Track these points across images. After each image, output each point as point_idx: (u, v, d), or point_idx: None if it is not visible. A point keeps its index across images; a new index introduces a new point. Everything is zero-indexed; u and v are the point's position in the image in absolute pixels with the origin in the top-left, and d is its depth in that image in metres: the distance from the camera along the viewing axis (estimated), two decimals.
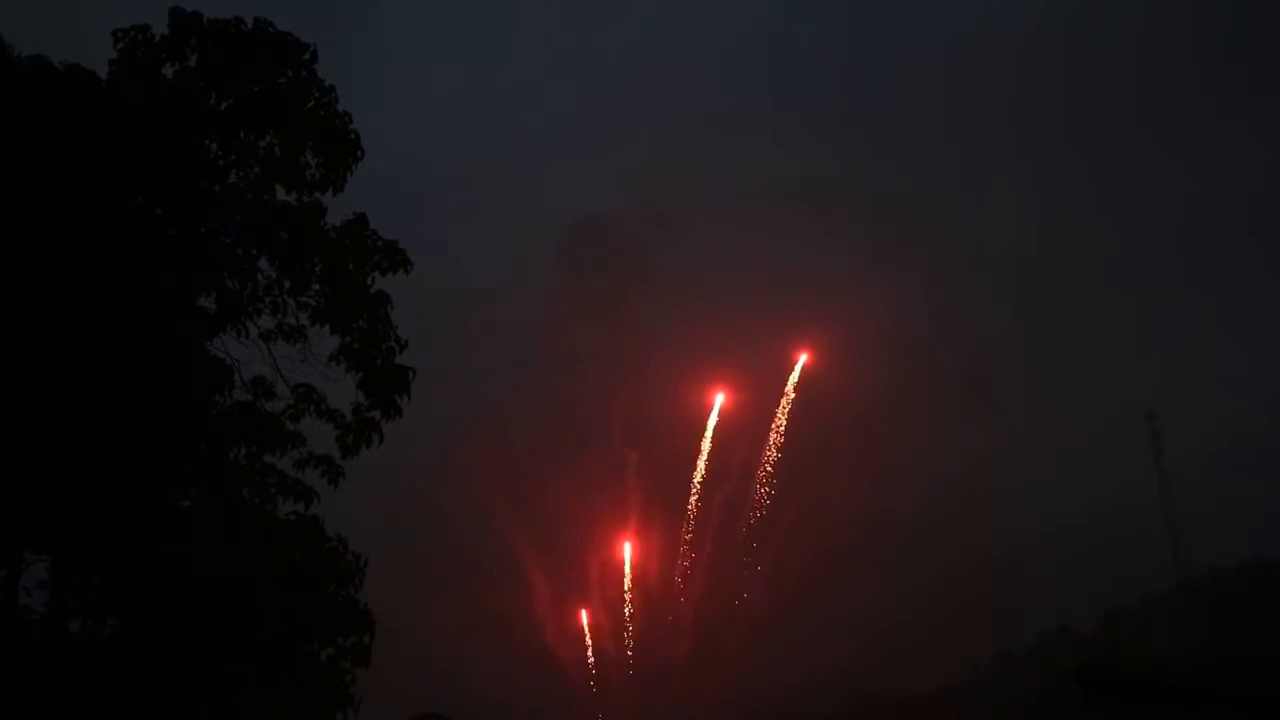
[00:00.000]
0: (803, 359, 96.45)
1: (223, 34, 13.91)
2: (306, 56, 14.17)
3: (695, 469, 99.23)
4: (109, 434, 12.27)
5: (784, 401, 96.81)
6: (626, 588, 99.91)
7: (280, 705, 13.46)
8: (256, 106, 13.97)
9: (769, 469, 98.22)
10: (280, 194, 14.32)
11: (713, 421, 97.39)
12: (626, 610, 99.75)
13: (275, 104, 14.00)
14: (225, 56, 13.87)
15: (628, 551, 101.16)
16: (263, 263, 14.03)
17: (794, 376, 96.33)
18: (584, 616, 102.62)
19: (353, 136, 14.38)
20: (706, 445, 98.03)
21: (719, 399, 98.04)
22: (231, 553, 12.97)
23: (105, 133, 12.47)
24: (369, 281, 14.40)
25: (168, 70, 14.00)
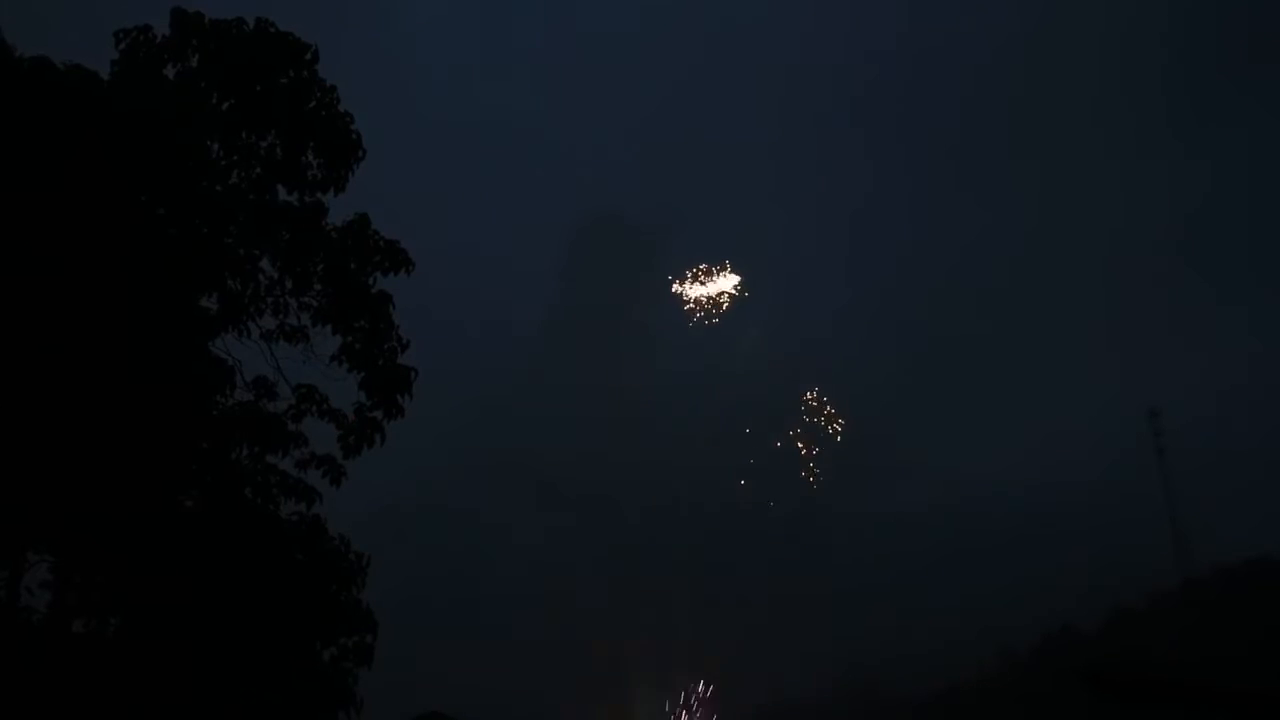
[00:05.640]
0: None
1: (224, 34, 13.92)
2: (308, 57, 14.17)
3: None
4: (111, 434, 12.26)
5: None
6: None
7: (283, 705, 13.45)
8: (258, 107, 13.97)
9: None
10: (282, 194, 14.32)
11: None
12: None
13: (277, 104, 13.99)
14: (227, 57, 13.87)
15: None
16: (264, 263, 14.03)
17: None
18: None
19: (354, 137, 14.37)
20: None
21: None
22: (234, 553, 12.96)
23: (107, 133, 12.47)
24: (371, 282, 14.39)
25: (169, 71, 14.02)
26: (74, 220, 12.17)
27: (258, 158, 14.14)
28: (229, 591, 12.66)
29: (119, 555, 12.82)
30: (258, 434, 13.84)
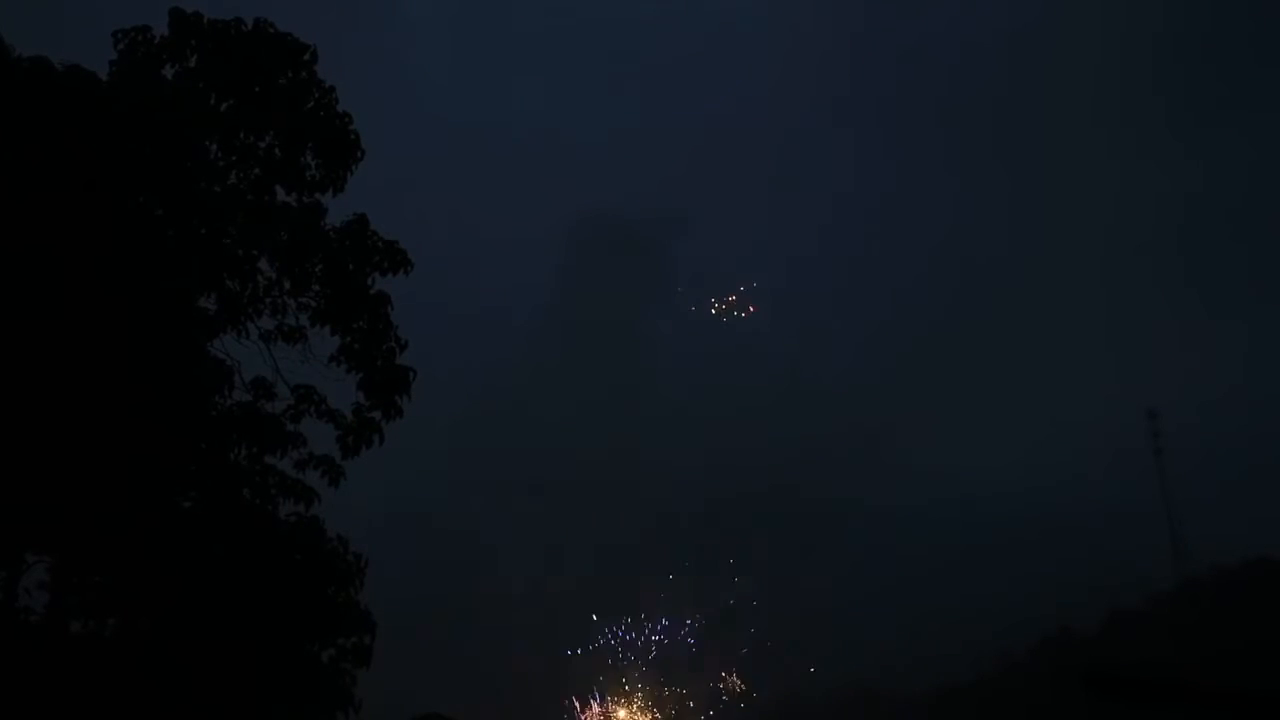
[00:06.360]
0: None
1: (223, 35, 13.91)
2: (306, 57, 14.17)
3: None
4: (110, 435, 12.25)
5: None
6: None
7: (281, 706, 13.43)
8: (257, 107, 13.96)
9: None
10: (280, 195, 14.31)
11: None
12: None
13: (275, 105, 13.98)
14: (225, 57, 13.86)
15: None
16: (263, 263, 14.02)
17: None
18: None
19: (353, 137, 14.36)
20: None
21: None
22: (232, 554, 12.95)
23: (106, 134, 12.46)
24: (369, 282, 14.38)
25: (168, 71, 14.01)
26: (72, 220, 12.17)
27: (256, 158, 14.13)
28: (227, 592, 12.65)
29: (117, 556, 12.81)
30: (256, 434, 13.82)
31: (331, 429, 14.15)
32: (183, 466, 13.41)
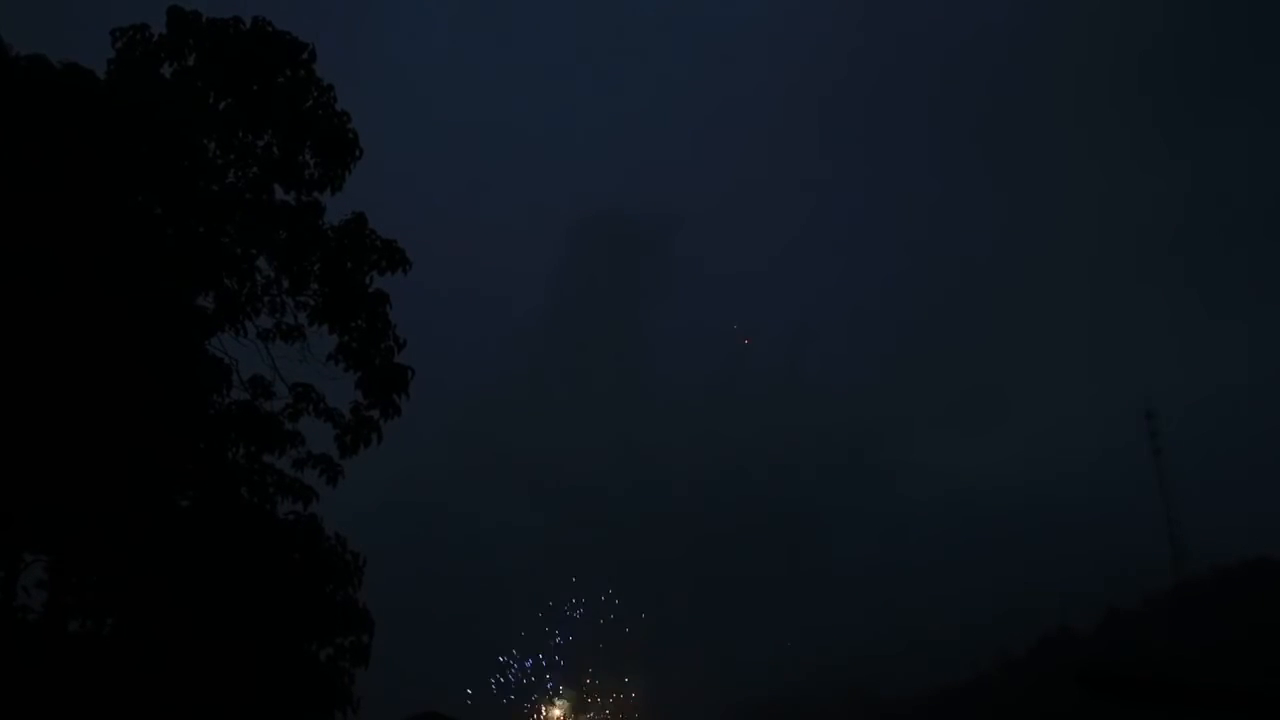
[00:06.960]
0: None
1: (221, 33, 13.90)
2: (305, 56, 14.16)
3: None
4: (108, 433, 12.24)
5: None
6: None
7: (280, 705, 13.42)
8: (255, 106, 13.95)
9: None
10: (279, 193, 14.30)
11: None
12: None
13: (274, 103, 13.97)
14: (224, 56, 13.85)
15: None
16: (261, 262, 14.02)
17: None
18: None
19: (351, 136, 14.35)
20: None
21: None
22: (230, 552, 12.94)
23: (103, 132, 12.45)
24: (367, 281, 14.37)
25: (166, 69, 14.00)
26: (71, 219, 12.15)
27: (255, 157, 14.12)
28: (225, 591, 12.64)
29: (115, 555, 12.79)
30: (254, 433, 13.81)
31: (330, 428, 14.15)
32: (181, 465, 13.39)
